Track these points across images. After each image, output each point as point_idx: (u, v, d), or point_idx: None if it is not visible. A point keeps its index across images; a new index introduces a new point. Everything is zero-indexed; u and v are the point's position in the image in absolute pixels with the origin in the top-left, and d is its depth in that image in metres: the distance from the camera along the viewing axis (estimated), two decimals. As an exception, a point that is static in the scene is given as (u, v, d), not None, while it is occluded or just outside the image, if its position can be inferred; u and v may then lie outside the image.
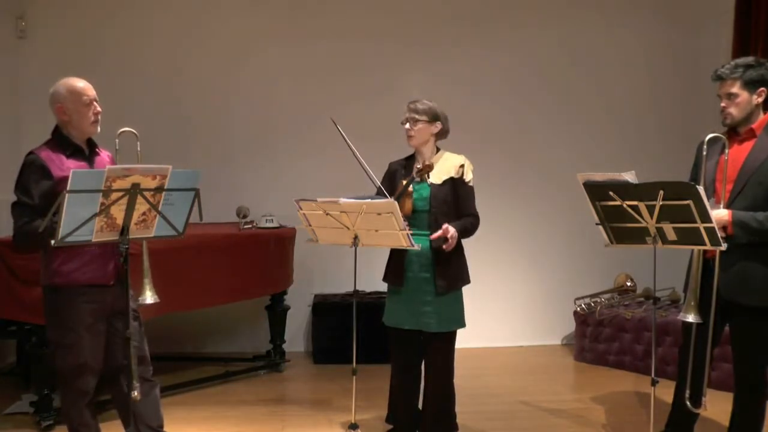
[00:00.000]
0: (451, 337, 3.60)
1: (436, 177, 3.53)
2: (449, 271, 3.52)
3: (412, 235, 3.45)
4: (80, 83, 3.05)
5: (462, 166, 3.55)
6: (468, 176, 3.57)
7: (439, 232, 3.40)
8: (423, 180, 3.51)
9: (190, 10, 5.75)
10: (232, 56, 5.77)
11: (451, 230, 3.39)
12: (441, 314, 3.51)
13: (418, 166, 3.49)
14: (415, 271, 3.53)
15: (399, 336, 3.60)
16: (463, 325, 3.61)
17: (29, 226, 2.84)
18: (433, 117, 3.55)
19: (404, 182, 3.47)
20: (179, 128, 5.64)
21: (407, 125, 3.56)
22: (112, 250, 2.99)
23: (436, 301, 3.50)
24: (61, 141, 3.04)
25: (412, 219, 3.47)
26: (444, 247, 3.41)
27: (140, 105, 5.45)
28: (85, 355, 3.01)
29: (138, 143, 3.35)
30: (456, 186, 3.54)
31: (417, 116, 3.53)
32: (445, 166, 3.56)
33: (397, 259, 3.57)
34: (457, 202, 3.53)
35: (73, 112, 3.01)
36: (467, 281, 3.62)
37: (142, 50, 5.69)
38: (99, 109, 3.07)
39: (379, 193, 3.52)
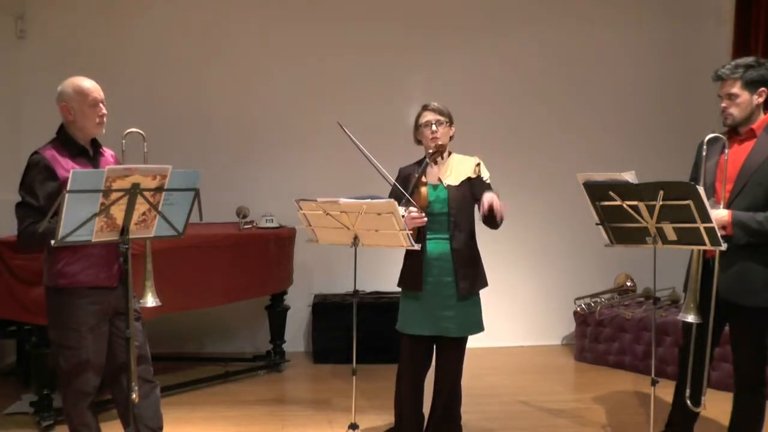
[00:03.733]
0: (466, 341, 3.58)
1: (454, 179, 3.49)
2: (470, 273, 3.48)
3: (430, 238, 3.46)
4: (87, 83, 3.01)
5: (478, 165, 3.52)
6: (485, 174, 3.53)
7: (485, 205, 3.27)
8: (436, 162, 3.45)
9: (188, 10, 5.75)
10: (231, 56, 5.77)
11: (489, 197, 3.27)
12: (461, 319, 3.47)
13: (430, 150, 3.45)
14: (435, 275, 3.46)
15: (413, 343, 3.53)
16: (482, 329, 3.57)
17: (34, 227, 2.82)
18: (451, 119, 3.54)
19: (416, 175, 3.42)
20: (178, 128, 5.63)
21: (433, 127, 3.48)
22: (117, 252, 2.96)
23: (457, 306, 3.45)
24: (65, 141, 3.02)
25: (431, 222, 3.41)
26: (494, 206, 3.26)
27: (139, 105, 5.43)
28: (87, 355, 3.00)
29: (145, 144, 3.34)
30: (473, 186, 3.49)
31: (442, 118, 3.49)
32: (461, 168, 3.52)
33: (416, 263, 3.48)
34: (475, 202, 3.47)
35: (78, 112, 2.99)
36: (486, 284, 3.58)
37: (140, 51, 5.70)
38: (104, 111, 3.04)
39: (396, 191, 3.44)
